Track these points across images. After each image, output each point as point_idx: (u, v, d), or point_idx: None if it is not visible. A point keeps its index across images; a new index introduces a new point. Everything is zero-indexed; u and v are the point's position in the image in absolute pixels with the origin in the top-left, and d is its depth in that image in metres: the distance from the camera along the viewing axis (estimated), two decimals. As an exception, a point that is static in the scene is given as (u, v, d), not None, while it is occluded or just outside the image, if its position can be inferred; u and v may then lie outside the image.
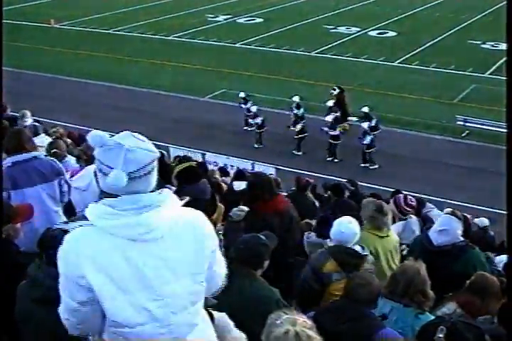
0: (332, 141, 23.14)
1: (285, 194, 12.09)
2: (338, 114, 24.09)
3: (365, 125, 22.79)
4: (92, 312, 2.96)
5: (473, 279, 5.50)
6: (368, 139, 22.50)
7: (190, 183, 6.76)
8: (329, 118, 23.49)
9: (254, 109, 24.75)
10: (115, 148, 2.90)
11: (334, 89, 25.39)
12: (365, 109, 23.44)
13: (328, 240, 6.19)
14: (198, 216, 3.15)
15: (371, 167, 22.50)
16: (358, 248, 5.94)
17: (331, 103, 24.65)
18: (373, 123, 23.03)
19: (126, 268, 2.88)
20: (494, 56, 33.02)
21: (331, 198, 11.39)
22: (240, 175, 12.20)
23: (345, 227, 5.97)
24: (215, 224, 6.64)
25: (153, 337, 2.95)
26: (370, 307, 4.94)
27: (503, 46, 33.32)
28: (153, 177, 3.01)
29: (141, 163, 2.91)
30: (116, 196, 2.93)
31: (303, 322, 3.08)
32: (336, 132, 23.07)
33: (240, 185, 10.58)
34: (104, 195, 2.98)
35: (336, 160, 22.99)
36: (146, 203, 2.91)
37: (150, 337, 2.94)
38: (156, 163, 3.01)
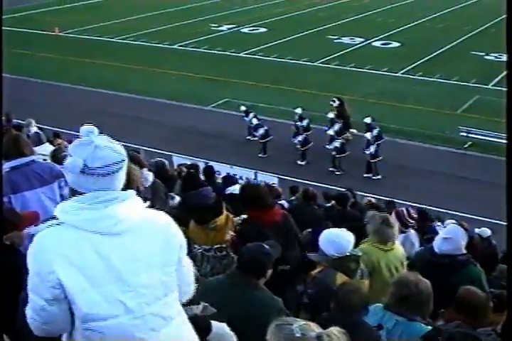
0: (335, 154, 23.17)
1: (285, 204, 12.11)
2: (341, 124, 24.10)
3: (368, 135, 22.82)
4: (58, 312, 3.01)
5: (458, 297, 5.52)
6: (371, 149, 22.52)
7: (190, 190, 6.79)
8: (330, 131, 23.55)
9: (255, 121, 24.78)
10: (85, 143, 3.02)
11: (334, 101, 25.33)
12: (368, 120, 23.47)
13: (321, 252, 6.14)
14: (163, 214, 3.26)
15: (374, 177, 22.51)
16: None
17: (331, 115, 24.66)
18: (375, 133, 23.06)
19: (97, 262, 2.94)
20: (498, 67, 33.05)
21: (334, 208, 11.37)
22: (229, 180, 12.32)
23: (340, 238, 5.99)
24: (221, 230, 6.62)
25: (128, 329, 2.99)
26: (362, 314, 4.94)
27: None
28: (118, 179, 3.10)
29: (107, 161, 3.00)
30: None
31: (315, 324, 3.09)
32: (336, 144, 23.06)
33: (234, 189, 10.60)
34: (73, 193, 3.08)
35: (337, 173, 22.97)
36: (112, 196, 3.02)
37: (125, 330, 2.99)
38: (124, 167, 3.11)
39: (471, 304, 5.45)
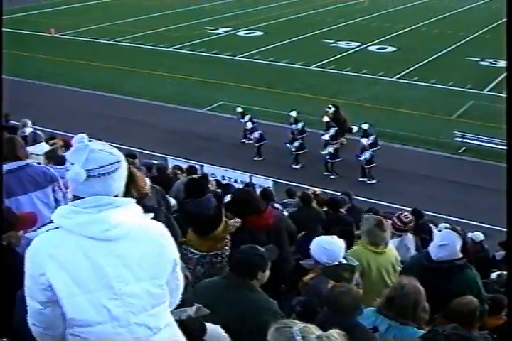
0: (329, 160, 23.22)
1: (279, 207, 12.10)
2: (336, 129, 24.11)
3: (364, 140, 22.86)
4: (53, 315, 3.01)
5: (450, 304, 5.53)
6: (366, 155, 22.56)
7: (194, 197, 6.79)
8: (325, 136, 23.59)
9: (249, 125, 24.85)
10: (81, 148, 3.05)
11: (329, 108, 25.28)
12: (365, 126, 23.50)
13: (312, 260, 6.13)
14: (160, 225, 3.25)
15: (369, 181, 22.53)
16: (343, 260, 5.98)
17: (326, 119, 24.66)
18: (371, 140, 23.09)
19: (88, 267, 2.94)
20: (492, 73, 33.21)
21: (328, 212, 11.36)
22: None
23: (332, 245, 5.98)
24: (219, 238, 6.62)
25: (113, 337, 2.98)
26: (356, 315, 4.94)
27: (502, 63, 33.56)
28: (115, 181, 3.12)
29: (101, 163, 3.04)
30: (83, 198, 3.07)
31: (314, 326, 3.10)
32: (330, 149, 23.11)
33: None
34: (73, 198, 3.11)
35: (331, 177, 23.00)
36: (107, 202, 3.03)
37: (109, 337, 2.98)
38: (121, 170, 3.14)
39: (462, 313, 5.46)
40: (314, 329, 3.01)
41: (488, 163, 23.09)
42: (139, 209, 3.17)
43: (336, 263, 5.93)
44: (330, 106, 25.44)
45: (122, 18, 48.63)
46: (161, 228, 3.23)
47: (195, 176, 8.62)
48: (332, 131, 23.87)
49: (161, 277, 3.13)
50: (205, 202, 6.64)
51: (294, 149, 23.78)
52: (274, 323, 3.12)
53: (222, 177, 20.63)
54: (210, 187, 12.19)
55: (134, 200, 3.17)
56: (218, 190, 12.45)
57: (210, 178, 16.54)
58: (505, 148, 22.06)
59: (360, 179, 22.63)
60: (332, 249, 5.93)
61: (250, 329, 4.35)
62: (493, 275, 9.81)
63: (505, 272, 9.47)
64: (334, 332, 3.03)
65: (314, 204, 11.52)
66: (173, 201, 8.54)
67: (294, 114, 24.72)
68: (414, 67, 35.66)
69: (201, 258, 6.42)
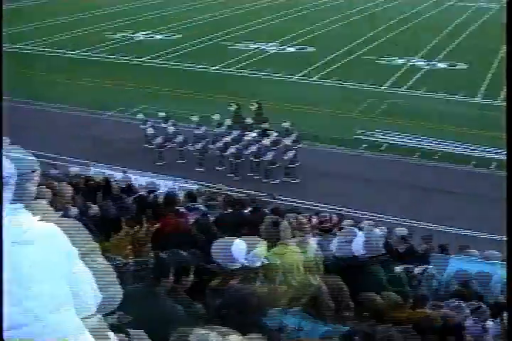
0: (254, 159, 23.26)
1: (203, 208, 11.99)
2: (260, 130, 24.07)
3: (287, 140, 22.95)
4: None
5: (370, 302, 5.62)
6: (290, 154, 22.68)
7: (94, 201, 6.75)
8: (250, 136, 23.63)
9: (171, 129, 24.66)
10: None
11: (252, 105, 25.46)
12: (286, 124, 23.57)
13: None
14: (55, 227, 3.27)
15: (292, 181, 22.59)
16: (265, 261, 6.01)
17: (250, 120, 24.66)
18: (293, 138, 23.18)
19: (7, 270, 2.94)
20: (391, 70, 34.51)
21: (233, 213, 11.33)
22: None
23: (233, 246, 6.02)
24: (140, 242, 6.54)
25: (39, 337, 3.00)
26: (260, 315, 4.97)
27: (398, 62, 36.11)
28: (25, 190, 3.20)
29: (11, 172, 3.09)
30: None
31: (215, 333, 3.09)
32: (253, 149, 23.21)
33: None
34: None
35: (264, 179, 23.00)
36: (14, 207, 3.11)
37: (36, 338, 2.99)
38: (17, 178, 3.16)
39: (381, 309, 5.54)
40: (213, 337, 3.02)
41: (405, 159, 23.57)
42: (29, 212, 3.21)
43: (242, 264, 5.95)
44: (253, 103, 25.65)
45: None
46: (56, 228, 3.25)
47: (94, 180, 8.54)
48: (254, 132, 23.78)
49: (65, 275, 3.18)
50: (105, 207, 6.60)
51: (197, 153, 23.86)
52: (177, 330, 3.16)
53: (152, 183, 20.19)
54: (114, 190, 11.96)
55: (22, 205, 3.20)
56: (122, 195, 12.24)
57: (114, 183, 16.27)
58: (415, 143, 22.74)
59: (284, 179, 22.76)
60: (232, 249, 5.98)
61: (164, 337, 4.35)
62: (416, 270, 9.94)
63: (429, 266, 9.64)
64: (233, 338, 3.05)
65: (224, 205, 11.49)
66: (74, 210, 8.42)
67: (195, 118, 24.56)
68: (317, 65, 36.41)
69: (123, 266, 6.37)
